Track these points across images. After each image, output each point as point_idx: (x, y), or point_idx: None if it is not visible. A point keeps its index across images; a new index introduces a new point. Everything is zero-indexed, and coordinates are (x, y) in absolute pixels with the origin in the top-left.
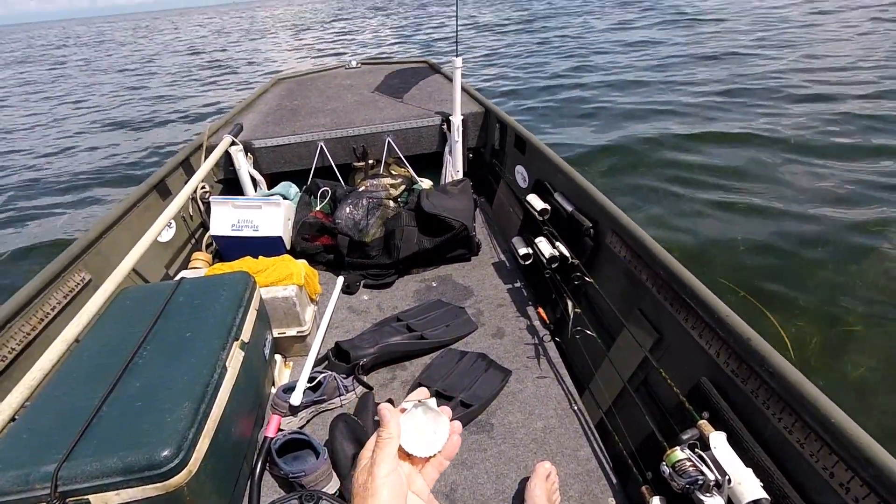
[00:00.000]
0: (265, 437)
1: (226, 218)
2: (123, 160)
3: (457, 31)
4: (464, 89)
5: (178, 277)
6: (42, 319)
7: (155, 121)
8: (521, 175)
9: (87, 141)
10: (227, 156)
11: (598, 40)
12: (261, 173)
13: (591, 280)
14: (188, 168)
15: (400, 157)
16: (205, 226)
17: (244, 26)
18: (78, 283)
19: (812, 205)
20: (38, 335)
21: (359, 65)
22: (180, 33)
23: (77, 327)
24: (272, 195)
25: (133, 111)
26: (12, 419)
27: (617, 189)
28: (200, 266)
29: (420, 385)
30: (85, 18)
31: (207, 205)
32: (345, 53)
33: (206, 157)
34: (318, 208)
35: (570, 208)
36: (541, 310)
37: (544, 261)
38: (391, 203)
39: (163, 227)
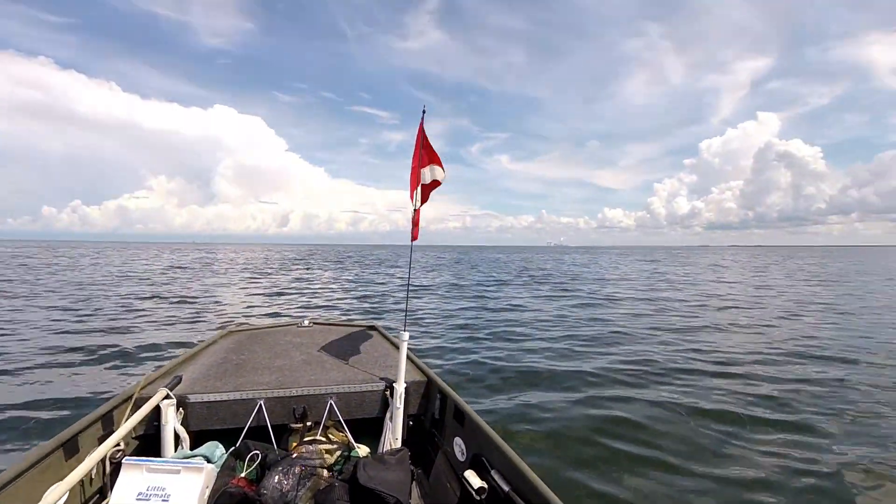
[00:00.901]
0: None
1: (134, 485)
2: (31, 409)
3: (406, 310)
4: (408, 358)
5: None
6: None
7: (86, 361)
8: (459, 447)
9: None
10: (155, 410)
11: (518, 306)
12: (188, 430)
13: None
14: (108, 422)
15: (339, 421)
16: (102, 493)
17: (201, 266)
18: None
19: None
20: None
21: (310, 324)
22: (134, 264)
23: None
24: (195, 456)
25: (62, 348)
26: None
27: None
28: None
29: None
30: (42, 241)
31: (116, 466)
32: (298, 297)
33: (132, 412)
34: (242, 474)
35: (507, 488)
36: None
37: None
38: (325, 472)
39: (56, 501)
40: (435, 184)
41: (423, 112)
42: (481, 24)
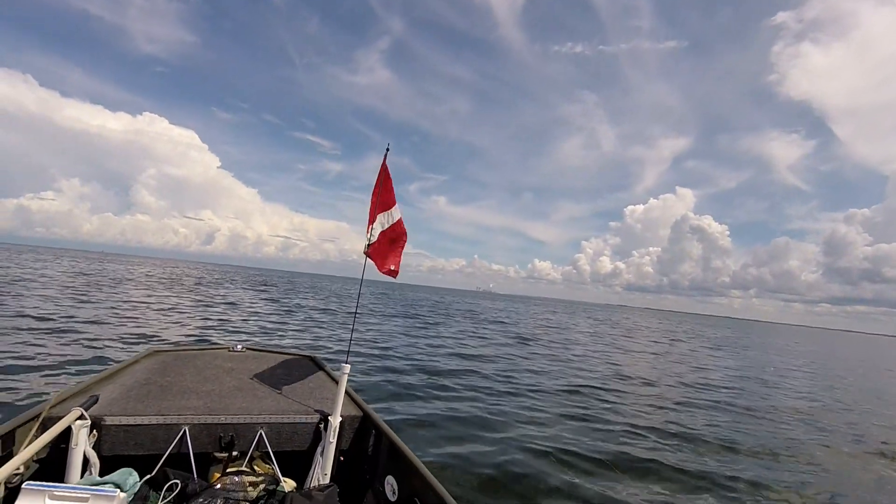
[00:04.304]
0: None
1: None
2: None
3: (350, 341)
4: (346, 392)
5: None
6: None
7: None
8: (390, 486)
9: None
10: (64, 432)
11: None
12: (99, 454)
13: None
14: (8, 442)
15: (267, 452)
16: None
17: (117, 277)
18: None
19: None
20: None
21: (244, 349)
22: (47, 269)
23: None
24: (105, 484)
25: None
26: None
27: None
28: None
29: None
30: None
31: (13, 491)
32: (219, 316)
33: (38, 432)
34: None
35: None
36: None
37: None
38: None
39: None
40: (399, 234)
41: (387, 150)
42: (430, 70)
